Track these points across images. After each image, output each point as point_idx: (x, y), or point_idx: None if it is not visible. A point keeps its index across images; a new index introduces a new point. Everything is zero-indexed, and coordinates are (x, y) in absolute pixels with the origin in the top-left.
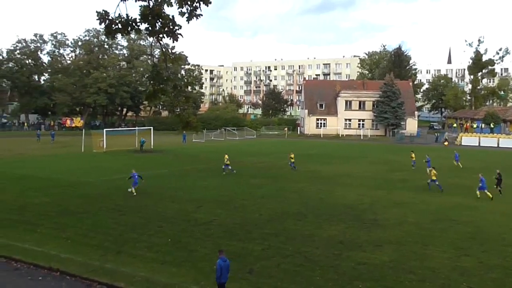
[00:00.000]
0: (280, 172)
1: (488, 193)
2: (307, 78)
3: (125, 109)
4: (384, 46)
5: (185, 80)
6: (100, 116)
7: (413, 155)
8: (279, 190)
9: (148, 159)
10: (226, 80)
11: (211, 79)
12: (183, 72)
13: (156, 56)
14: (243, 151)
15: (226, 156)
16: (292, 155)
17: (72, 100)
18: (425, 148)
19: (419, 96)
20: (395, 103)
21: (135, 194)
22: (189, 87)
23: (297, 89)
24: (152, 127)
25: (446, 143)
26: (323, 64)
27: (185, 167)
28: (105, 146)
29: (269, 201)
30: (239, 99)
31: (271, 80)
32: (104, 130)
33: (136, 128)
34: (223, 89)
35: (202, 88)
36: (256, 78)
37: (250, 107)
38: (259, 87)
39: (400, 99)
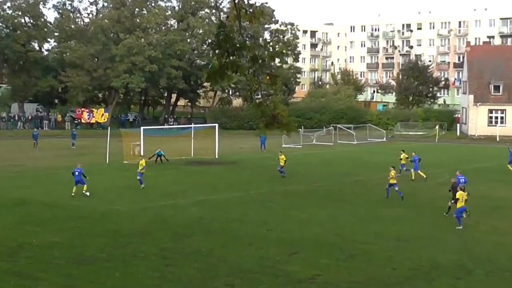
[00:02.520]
0: (432, 196)
1: None
2: (472, 43)
3: (174, 96)
4: None
5: (271, 49)
6: (135, 107)
7: None
8: (427, 227)
9: (209, 175)
10: (338, 47)
11: (313, 46)
12: (267, 35)
13: (225, 10)
14: (365, 162)
15: (392, 171)
16: (283, 157)
17: (92, 82)
18: None
19: None
20: None
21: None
22: (277, 60)
23: (456, 61)
24: (217, 124)
25: None
26: (500, 19)
27: (270, 188)
28: (142, 153)
29: (408, 245)
30: (359, 78)
31: (411, 47)
32: (142, 128)
33: (192, 125)
34: (332, 63)
35: (297, 61)
36: (387, 44)
37: (377, 91)
38: (392, 58)
39: None
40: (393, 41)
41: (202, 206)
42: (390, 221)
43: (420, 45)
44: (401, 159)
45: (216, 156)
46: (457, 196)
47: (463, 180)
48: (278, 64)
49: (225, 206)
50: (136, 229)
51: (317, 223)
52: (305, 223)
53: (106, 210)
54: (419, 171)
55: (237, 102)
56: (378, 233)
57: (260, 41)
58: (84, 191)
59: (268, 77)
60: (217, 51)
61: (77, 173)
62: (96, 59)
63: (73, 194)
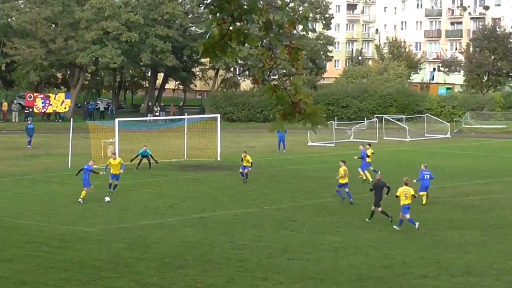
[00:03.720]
0: None
1: None
2: None
3: (161, 76)
4: None
5: (290, 12)
6: (107, 92)
7: None
8: (507, 256)
9: (209, 184)
10: (385, 9)
11: (351, 7)
12: None
13: None
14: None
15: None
16: (248, 158)
17: (49, 56)
18: None
19: None
20: None
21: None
22: (299, 27)
23: None
24: (219, 115)
25: None
26: None
27: (291, 203)
28: (117, 154)
29: (482, 281)
30: (413, 51)
31: (487, 8)
32: (116, 120)
33: (186, 116)
34: (376, 30)
35: (329, 29)
36: (453, 3)
37: (438, 70)
38: (460, 23)
39: None
40: (461, 0)
41: (199, 227)
42: (458, 248)
43: (499, 5)
44: (368, 156)
45: (218, 158)
46: (397, 194)
47: (429, 175)
48: (301, 33)
49: (230, 227)
50: (109, 259)
51: (358, 250)
52: (341, 250)
53: (68, 233)
54: (366, 171)
55: (246, 84)
56: (441, 265)
57: (278, 0)
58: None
59: (287, 51)
60: (216, 14)
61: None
62: (53, 25)
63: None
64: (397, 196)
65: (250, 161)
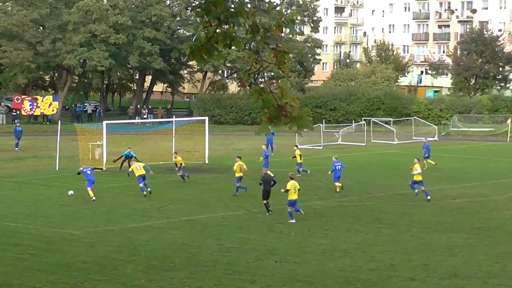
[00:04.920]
0: (503, 217)
1: None
2: None
3: (149, 79)
4: None
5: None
6: (95, 94)
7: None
8: (494, 259)
9: (196, 186)
10: (373, 12)
11: (339, 10)
12: None
13: None
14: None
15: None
16: (180, 159)
17: (36, 59)
18: None
19: None
20: None
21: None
22: (286, 30)
23: None
24: (207, 117)
25: None
26: None
27: (279, 205)
28: (105, 157)
29: (469, 284)
30: (401, 54)
31: (474, 11)
32: (104, 123)
33: (174, 119)
34: (364, 33)
35: (317, 31)
36: (441, 7)
37: (426, 73)
38: (447, 26)
39: None
40: (449, 3)
41: (186, 229)
42: (445, 251)
43: (486, 8)
44: (295, 156)
45: (206, 161)
46: (287, 187)
47: (340, 166)
48: (289, 36)
49: (217, 230)
50: (96, 261)
51: (345, 253)
52: (328, 253)
53: (55, 235)
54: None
55: (234, 87)
56: (429, 267)
57: (265, 2)
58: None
59: (273, 54)
60: (203, 16)
61: (89, 171)
62: (41, 28)
63: (93, 199)
64: (287, 190)
65: (181, 161)
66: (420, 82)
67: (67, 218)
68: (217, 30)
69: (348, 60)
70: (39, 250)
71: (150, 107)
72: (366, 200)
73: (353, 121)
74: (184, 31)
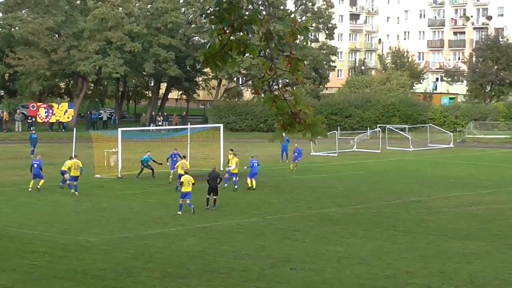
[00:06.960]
0: None
1: None
2: None
3: (164, 86)
4: None
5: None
6: (110, 101)
7: None
8: (509, 266)
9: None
10: (388, 19)
11: (354, 17)
12: (289, 2)
13: None
14: (426, 176)
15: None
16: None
17: (52, 66)
18: None
19: None
20: None
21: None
22: (301, 37)
23: None
24: (222, 124)
25: None
26: None
27: (295, 212)
28: (120, 164)
29: None
30: (416, 61)
31: (489, 18)
32: (119, 130)
33: (189, 126)
34: (379, 40)
35: (332, 39)
36: (456, 13)
37: (441, 79)
38: (463, 33)
39: None
40: (464, 10)
41: (201, 237)
42: (462, 258)
43: (502, 15)
44: (229, 161)
45: (221, 168)
46: (182, 180)
47: (256, 163)
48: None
49: (233, 237)
50: (112, 268)
51: (361, 260)
52: (344, 260)
53: (71, 242)
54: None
55: (249, 94)
56: (445, 275)
57: (280, 11)
58: (39, 186)
59: (287, 61)
60: (217, 24)
61: (35, 165)
62: (56, 35)
63: (30, 189)
64: (182, 183)
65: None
66: (436, 89)
67: (83, 225)
68: (231, 38)
69: (363, 67)
70: (55, 257)
71: (165, 114)
72: (382, 207)
73: (368, 128)
74: (199, 38)
